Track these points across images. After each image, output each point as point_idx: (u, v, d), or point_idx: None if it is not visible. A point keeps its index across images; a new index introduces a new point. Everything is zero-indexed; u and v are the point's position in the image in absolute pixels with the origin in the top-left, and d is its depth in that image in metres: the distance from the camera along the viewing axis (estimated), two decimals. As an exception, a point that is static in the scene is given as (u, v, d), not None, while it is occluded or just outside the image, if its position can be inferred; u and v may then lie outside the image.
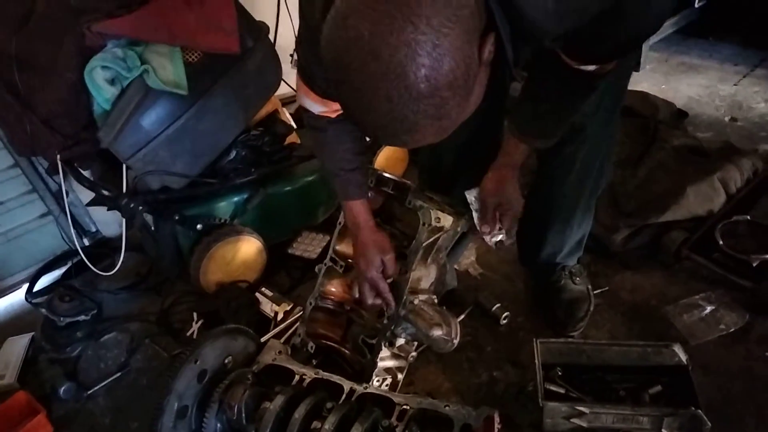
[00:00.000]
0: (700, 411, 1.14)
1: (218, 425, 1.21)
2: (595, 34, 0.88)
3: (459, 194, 1.51)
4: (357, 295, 1.42)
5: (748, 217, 1.67)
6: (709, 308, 1.51)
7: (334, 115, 1.21)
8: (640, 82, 2.79)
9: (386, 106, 0.69)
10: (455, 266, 1.77)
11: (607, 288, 1.66)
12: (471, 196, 1.30)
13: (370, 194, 1.41)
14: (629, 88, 1.31)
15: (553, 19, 0.77)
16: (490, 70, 0.80)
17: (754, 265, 1.54)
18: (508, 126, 1.24)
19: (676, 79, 2.88)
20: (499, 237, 1.32)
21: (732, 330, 1.46)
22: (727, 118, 2.46)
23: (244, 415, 1.17)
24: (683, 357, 1.28)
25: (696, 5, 3.17)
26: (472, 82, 0.73)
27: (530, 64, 1.22)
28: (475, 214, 1.32)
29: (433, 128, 0.73)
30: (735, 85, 2.72)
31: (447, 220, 1.34)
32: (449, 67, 0.66)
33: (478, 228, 1.34)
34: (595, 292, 1.60)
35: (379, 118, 0.71)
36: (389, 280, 1.38)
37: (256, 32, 1.71)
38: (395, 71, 0.65)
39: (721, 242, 1.61)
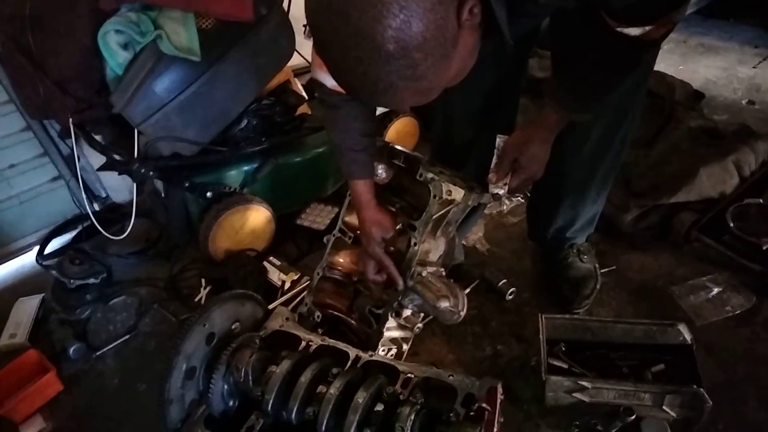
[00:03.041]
0: (701, 389, 1.14)
1: (225, 387, 1.23)
2: None
3: (471, 170, 1.51)
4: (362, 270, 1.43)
5: (761, 201, 1.66)
6: (716, 290, 1.52)
7: None
8: (657, 62, 2.72)
9: (359, 68, 0.71)
10: (463, 241, 1.77)
11: (614, 267, 1.66)
12: (500, 140, 1.29)
13: (380, 170, 1.41)
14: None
15: None
16: (480, 33, 0.79)
17: (765, 248, 1.53)
18: (544, 91, 1.18)
19: (694, 60, 2.83)
20: (499, 191, 1.29)
21: (738, 312, 1.46)
22: (744, 101, 2.43)
23: (251, 377, 1.19)
24: (688, 336, 1.28)
25: (717, -15, 3.11)
26: (450, 45, 0.73)
27: (563, 31, 1.19)
28: (495, 159, 1.31)
29: (411, 90, 0.75)
30: (754, 67, 2.68)
31: (458, 194, 1.33)
32: (418, 28, 0.67)
33: (489, 173, 1.31)
34: (602, 270, 1.60)
35: (355, 79, 0.73)
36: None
37: (270, 0, 1.69)
38: (362, 33, 0.67)
39: (731, 225, 1.61)
